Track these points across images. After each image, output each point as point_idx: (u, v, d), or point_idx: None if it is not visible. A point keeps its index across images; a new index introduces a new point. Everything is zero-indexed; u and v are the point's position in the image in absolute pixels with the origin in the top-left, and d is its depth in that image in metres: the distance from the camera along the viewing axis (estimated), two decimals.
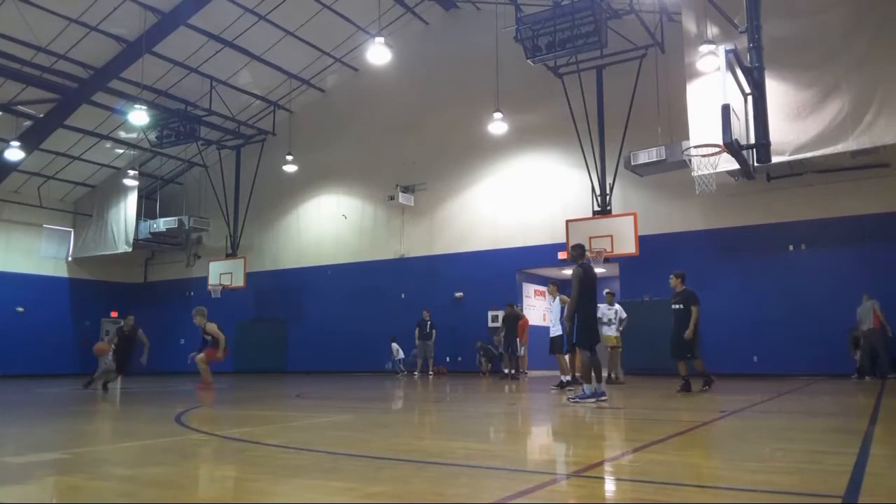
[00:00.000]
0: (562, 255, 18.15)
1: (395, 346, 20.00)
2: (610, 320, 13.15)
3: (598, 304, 11.29)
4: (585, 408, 7.60)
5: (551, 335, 12.13)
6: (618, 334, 13.29)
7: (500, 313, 17.70)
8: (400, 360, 19.98)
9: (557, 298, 11.79)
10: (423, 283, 21.08)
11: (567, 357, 11.72)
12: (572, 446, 5.35)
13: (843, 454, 4.17)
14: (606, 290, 12.80)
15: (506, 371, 16.10)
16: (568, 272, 20.90)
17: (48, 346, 24.42)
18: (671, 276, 10.59)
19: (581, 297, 8.19)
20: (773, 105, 11.16)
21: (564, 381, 11.58)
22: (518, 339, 16.06)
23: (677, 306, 10.28)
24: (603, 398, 8.02)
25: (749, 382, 13.20)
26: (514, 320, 16.03)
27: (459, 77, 21.26)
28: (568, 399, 8.44)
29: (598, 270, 17.07)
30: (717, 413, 7.19)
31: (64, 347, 25.27)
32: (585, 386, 8.12)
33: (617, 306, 13.57)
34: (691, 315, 10.03)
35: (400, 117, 22.47)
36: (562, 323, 11.38)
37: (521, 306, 18.23)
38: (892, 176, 15.15)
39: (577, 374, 11.71)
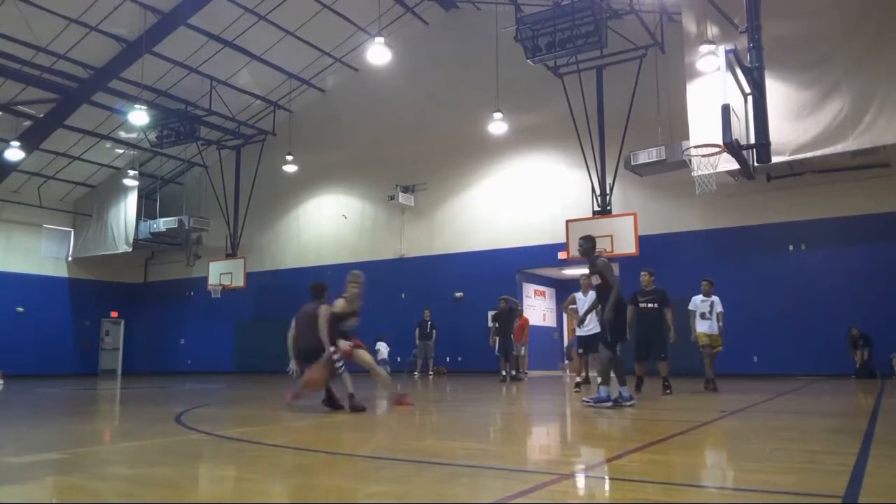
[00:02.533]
0: (562, 255, 18.14)
1: (380, 345, 18.98)
2: (704, 314, 10.66)
3: (693, 297, 10.54)
4: (586, 408, 7.55)
5: (583, 334, 10.42)
6: (714, 331, 10.65)
7: None
8: (382, 361, 19.14)
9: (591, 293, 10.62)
10: (423, 283, 21.06)
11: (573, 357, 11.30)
12: (572, 446, 5.35)
13: (843, 454, 4.17)
14: (704, 279, 10.77)
15: (503, 373, 14.78)
16: (568, 272, 21.03)
17: (48, 346, 24.45)
18: (644, 273, 10.35)
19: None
20: (773, 105, 11.14)
21: (580, 380, 11.03)
22: (513, 337, 15.01)
23: (650, 305, 10.05)
24: (631, 402, 7.45)
25: (749, 382, 13.19)
26: (508, 315, 14.85)
27: (459, 77, 21.26)
28: (583, 401, 7.95)
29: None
30: (717, 413, 7.18)
31: (64, 347, 25.34)
32: (602, 388, 7.55)
33: (714, 297, 10.71)
34: (665, 316, 9.94)
35: (400, 117, 22.46)
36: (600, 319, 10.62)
37: (521, 306, 17.23)
38: (892, 176, 15.15)
39: (580, 376, 11.38)
